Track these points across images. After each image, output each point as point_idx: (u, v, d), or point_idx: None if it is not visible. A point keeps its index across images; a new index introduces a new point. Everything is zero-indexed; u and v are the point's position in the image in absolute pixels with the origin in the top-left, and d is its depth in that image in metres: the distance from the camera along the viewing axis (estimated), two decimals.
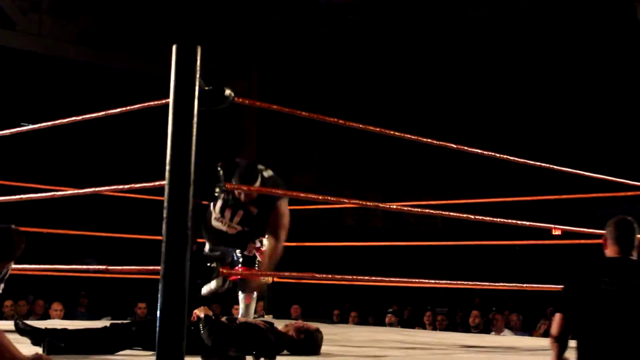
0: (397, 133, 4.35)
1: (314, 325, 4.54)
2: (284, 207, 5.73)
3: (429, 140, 4.62)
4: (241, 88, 17.40)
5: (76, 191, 4.04)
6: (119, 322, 4.36)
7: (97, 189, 3.92)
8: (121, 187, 3.78)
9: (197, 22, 15.86)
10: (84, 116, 4.17)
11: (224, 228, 5.92)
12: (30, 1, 15.26)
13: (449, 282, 5.06)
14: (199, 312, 4.18)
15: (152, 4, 15.35)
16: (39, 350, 4.06)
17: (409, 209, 5.58)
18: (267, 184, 5.57)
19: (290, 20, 15.81)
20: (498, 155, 5.20)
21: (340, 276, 3.81)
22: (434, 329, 10.45)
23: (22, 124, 13.91)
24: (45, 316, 9.89)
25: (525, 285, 6.25)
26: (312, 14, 15.20)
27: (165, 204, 2.88)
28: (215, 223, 5.92)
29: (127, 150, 15.30)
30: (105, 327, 4.12)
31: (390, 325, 10.72)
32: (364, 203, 5.09)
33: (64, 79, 15.63)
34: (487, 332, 10.12)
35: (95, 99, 14.71)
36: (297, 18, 15.57)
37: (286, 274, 3.87)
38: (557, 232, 12.95)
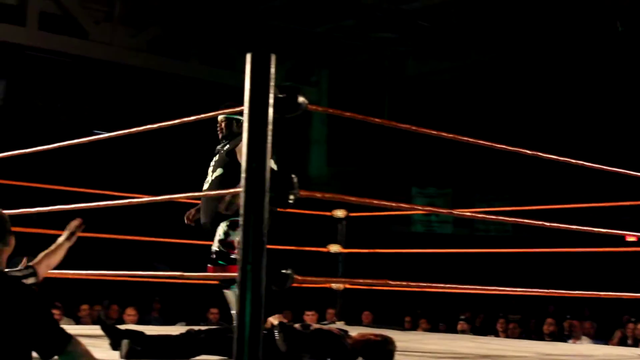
0: (471, 139, 4.31)
1: (385, 334, 4.50)
2: None
3: (503, 146, 4.57)
4: (311, 94, 17.47)
5: (152, 198, 4.07)
6: (195, 327, 4.39)
7: (173, 196, 3.95)
8: (196, 194, 3.81)
9: (266, 29, 15.97)
10: (159, 124, 4.21)
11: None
12: (103, 11, 15.54)
13: (522, 289, 5.00)
14: (274, 320, 4.19)
15: (221, 13, 15.48)
16: (116, 355, 4.12)
17: (482, 215, 5.52)
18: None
19: (359, 26, 15.81)
20: (572, 161, 5.12)
21: (415, 283, 3.78)
22: (507, 336, 10.34)
23: (95, 131, 14.16)
24: (120, 321, 10.02)
25: (601, 293, 6.15)
26: (380, 19, 15.18)
27: (241, 211, 2.89)
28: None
29: (197, 157, 15.49)
30: (182, 332, 4.16)
31: (462, 332, 10.63)
32: (436, 210, 5.04)
33: (135, 87, 15.87)
34: (561, 340, 9.98)
35: (165, 106, 14.91)
36: (366, 24, 15.56)
37: (360, 280, 3.86)
38: (631, 239, 12.76)
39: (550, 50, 15.52)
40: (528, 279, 11.56)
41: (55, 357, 2.93)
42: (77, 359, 2.93)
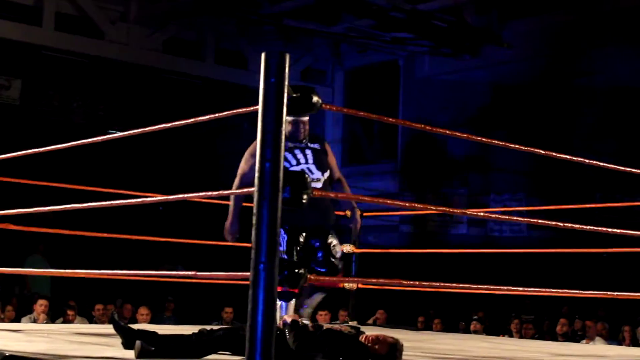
0: (484, 139, 4.30)
1: (392, 336, 4.43)
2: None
3: (517, 146, 4.56)
4: (325, 94, 17.52)
5: (166, 197, 4.08)
6: (207, 327, 4.40)
7: (187, 195, 3.96)
8: (210, 193, 3.81)
9: (281, 29, 15.97)
10: (173, 123, 4.22)
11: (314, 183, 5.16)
12: (118, 11, 15.60)
13: (535, 289, 4.98)
14: (287, 317, 4.20)
15: (236, 13, 15.49)
16: (129, 353, 4.12)
17: (496, 216, 5.51)
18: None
19: (375, 26, 15.81)
20: (586, 161, 5.09)
21: (428, 283, 3.78)
22: (521, 336, 10.33)
23: (109, 131, 14.21)
24: (133, 320, 10.06)
25: (615, 293, 6.13)
26: (395, 19, 15.17)
27: (255, 211, 2.90)
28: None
29: (213, 156, 15.50)
30: (194, 332, 4.16)
31: (476, 332, 10.62)
32: (450, 210, 5.04)
33: (151, 87, 15.91)
34: (574, 340, 9.96)
35: (181, 106, 14.95)
36: (382, 24, 15.55)
37: (373, 280, 3.86)
38: None
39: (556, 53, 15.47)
40: (542, 280, 11.55)
41: None
42: None
